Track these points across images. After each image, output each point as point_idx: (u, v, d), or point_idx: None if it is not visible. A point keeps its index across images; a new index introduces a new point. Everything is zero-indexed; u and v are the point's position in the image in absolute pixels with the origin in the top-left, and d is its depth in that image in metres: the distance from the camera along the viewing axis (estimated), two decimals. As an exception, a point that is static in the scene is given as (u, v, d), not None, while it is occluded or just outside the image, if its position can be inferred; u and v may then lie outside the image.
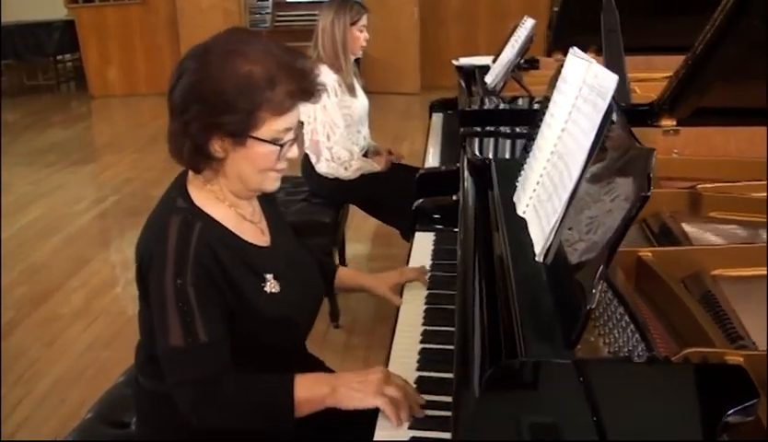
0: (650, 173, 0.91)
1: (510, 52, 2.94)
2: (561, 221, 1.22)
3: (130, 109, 8.60)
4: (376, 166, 3.15)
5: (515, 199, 1.53)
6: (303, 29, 6.76)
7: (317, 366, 1.71)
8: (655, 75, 2.73)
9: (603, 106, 1.18)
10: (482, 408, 0.88)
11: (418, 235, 2.12)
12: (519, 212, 1.45)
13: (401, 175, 3.07)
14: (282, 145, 1.37)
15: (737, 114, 1.84)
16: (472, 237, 1.51)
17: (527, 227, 1.39)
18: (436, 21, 8.05)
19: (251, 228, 1.46)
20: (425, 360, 1.45)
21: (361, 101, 3.13)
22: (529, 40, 2.75)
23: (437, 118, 3.72)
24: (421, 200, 2.23)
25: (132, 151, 6.49)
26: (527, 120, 2.24)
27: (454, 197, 2.17)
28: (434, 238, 2.08)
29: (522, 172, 1.58)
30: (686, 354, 1.03)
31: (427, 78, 7.95)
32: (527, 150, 1.66)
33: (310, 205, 3.12)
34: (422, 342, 1.53)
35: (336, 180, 3.07)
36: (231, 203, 1.42)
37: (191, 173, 1.43)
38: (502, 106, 2.44)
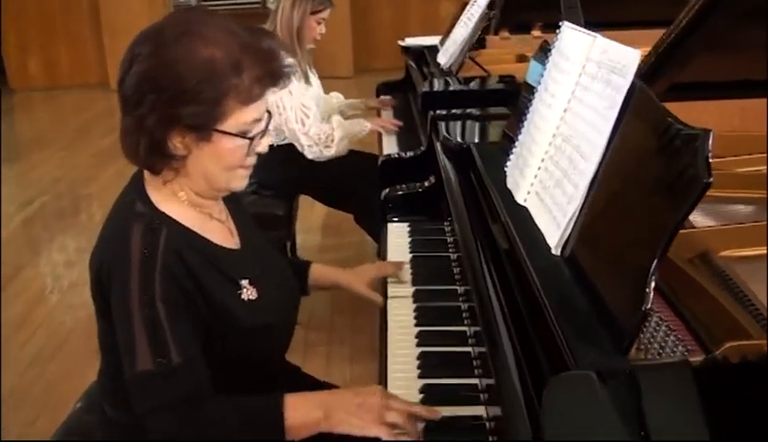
0: (708, 156, 0.82)
1: (464, 30, 2.84)
2: (579, 211, 1.12)
3: (54, 102, 8.10)
4: (366, 124, 2.95)
5: (509, 186, 1.43)
6: (230, 14, 6.51)
7: (294, 373, 1.59)
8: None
9: (622, 84, 1.09)
10: (552, 427, 0.78)
11: (391, 226, 2.00)
12: (519, 200, 1.35)
13: (358, 161, 2.93)
14: (251, 139, 1.22)
15: (718, 88, 1.79)
16: (470, 228, 1.40)
17: (530, 217, 1.29)
18: (367, 4, 7.90)
19: (220, 229, 1.32)
20: (427, 365, 1.34)
21: (316, 90, 2.97)
22: (485, 18, 2.66)
23: (384, 99, 3.60)
24: (388, 189, 2.11)
25: (58, 148, 6.10)
26: (497, 100, 2.16)
27: (426, 184, 2.07)
28: (408, 228, 1.97)
29: (513, 157, 1.48)
30: (727, 350, 0.95)
31: (360, 61, 7.82)
32: (514, 133, 1.56)
33: (261, 198, 2.95)
34: (419, 345, 1.42)
35: (288, 169, 2.91)
36: (194, 202, 1.27)
37: (147, 172, 1.27)
38: (465, 86, 2.34)
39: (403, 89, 3.64)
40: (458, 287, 1.63)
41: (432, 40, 3.42)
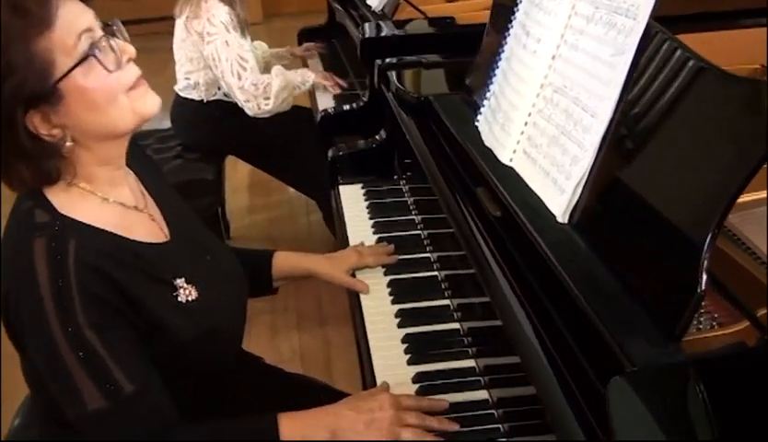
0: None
1: (393, -32, 2.64)
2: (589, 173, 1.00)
3: None
4: (309, 74, 2.68)
5: (488, 144, 1.29)
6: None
7: (256, 367, 1.43)
8: None
9: (633, 26, 0.96)
10: (625, 429, 0.67)
11: (344, 190, 1.84)
12: (503, 159, 1.22)
13: (291, 115, 2.72)
14: (93, 55, 0.95)
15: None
16: (452, 194, 1.26)
17: (520, 179, 1.17)
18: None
19: (140, 220, 1.09)
20: (416, 351, 1.22)
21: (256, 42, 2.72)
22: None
23: (309, 45, 3.37)
24: (335, 148, 1.94)
25: None
26: (449, 46, 2.01)
27: (377, 140, 1.91)
28: (362, 191, 1.81)
29: (487, 110, 1.35)
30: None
31: (269, 5, 7.44)
32: (481, 83, 1.42)
33: (187, 162, 2.70)
34: (401, 326, 1.29)
35: (215, 128, 2.67)
36: (104, 191, 1.04)
37: None
38: (413, 31, 2.17)
39: (327, 35, 3.42)
40: (429, 254, 1.50)
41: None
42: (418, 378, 1.15)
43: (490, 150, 1.27)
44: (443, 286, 1.39)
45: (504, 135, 1.24)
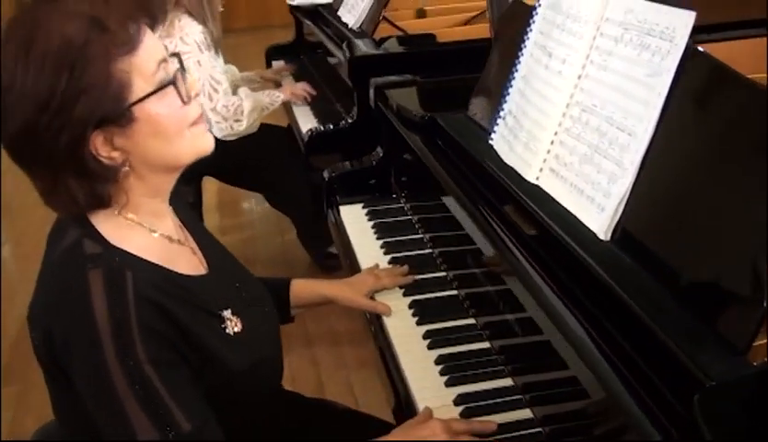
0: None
1: (369, -14, 2.66)
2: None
3: None
4: (277, 94, 2.69)
5: (508, 162, 1.31)
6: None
7: (296, 402, 1.40)
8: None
9: (670, 49, 0.99)
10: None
11: (344, 210, 1.83)
12: (529, 178, 1.24)
13: (266, 134, 2.70)
14: (174, 83, 0.96)
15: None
16: (482, 214, 1.27)
17: (547, 197, 1.18)
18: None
19: (182, 253, 1.07)
20: (452, 371, 1.22)
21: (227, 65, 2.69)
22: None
23: (280, 66, 3.36)
24: (332, 168, 1.93)
25: None
26: (441, 63, 2.02)
27: (375, 158, 1.91)
28: (364, 211, 1.81)
29: (503, 129, 1.36)
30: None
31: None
32: (490, 102, 1.44)
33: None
34: (431, 347, 1.29)
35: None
36: (150, 223, 1.02)
37: None
38: (405, 49, 2.18)
39: (296, 52, 3.41)
40: (445, 273, 1.51)
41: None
42: (460, 399, 1.15)
43: (511, 168, 1.29)
44: (465, 305, 1.40)
45: (528, 154, 1.26)
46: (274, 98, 2.66)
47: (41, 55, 0.88)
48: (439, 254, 1.57)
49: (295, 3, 3.30)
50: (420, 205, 1.75)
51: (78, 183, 0.93)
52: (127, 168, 0.96)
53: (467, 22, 2.77)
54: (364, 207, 1.82)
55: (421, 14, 3.07)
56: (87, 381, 0.93)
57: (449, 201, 1.57)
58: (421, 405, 1.15)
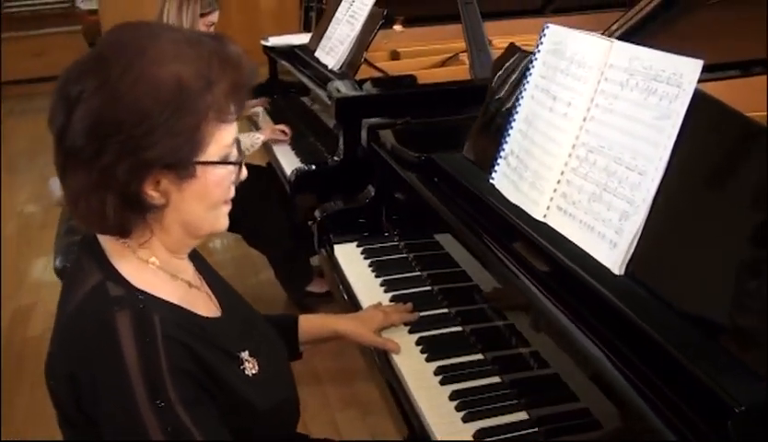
0: None
1: (348, 29, 2.72)
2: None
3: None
4: (258, 136, 2.72)
5: (514, 200, 1.35)
6: (35, 15, 5.74)
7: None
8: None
9: (678, 94, 1.05)
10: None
11: (339, 249, 1.85)
12: (537, 215, 1.28)
13: (250, 174, 2.70)
14: (238, 164, 1.03)
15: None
16: (489, 249, 1.30)
17: (556, 234, 1.23)
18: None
19: (200, 298, 1.09)
20: (467, 407, 1.24)
21: None
22: (380, 16, 2.55)
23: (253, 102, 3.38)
24: (322, 208, 1.96)
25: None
26: (427, 104, 2.08)
27: (367, 197, 1.94)
28: (359, 250, 1.83)
29: (505, 168, 1.41)
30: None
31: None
32: (489, 142, 1.49)
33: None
34: (443, 383, 1.31)
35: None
36: (170, 269, 1.04)
37: (104, 241, 1.02)
38: (392, 91, 2.23)
39: (270, 92, 3.44)
40: (447, 310, 1.54)
41: (298, 39, 3.25)
42: (480, 435, 1.17)
43: (517, 206, 1.33)
44: (471, 341, 1.42)
45: (535, 192, 1.30)
46: (255, 139, 2.68)
47: (154, 78, 0.92)
48: (439, 291, 1.60)
49: (269, 43, 3.35)
50: (414, 243, 1.78)
51: (115, 202, 0.94)
52: (159, 213, 0.98)
53: (443, 64, 2.85)
54: (358, 245, 1.84)
55: (395, 55, 3.14)
56: (116, 424, 0.92)
57: (444, 238, 1.61)
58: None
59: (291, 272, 2.91)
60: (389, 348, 1.41)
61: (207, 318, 1.05)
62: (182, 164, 0.95)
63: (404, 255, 1.78)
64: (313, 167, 2.34)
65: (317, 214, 1.95)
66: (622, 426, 0.99)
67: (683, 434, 0.84)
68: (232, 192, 1.05)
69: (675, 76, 1.07)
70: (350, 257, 1.81)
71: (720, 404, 0.83)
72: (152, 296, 0.98)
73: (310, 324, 1.42)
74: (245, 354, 1.07)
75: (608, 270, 1.11)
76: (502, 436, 1.17)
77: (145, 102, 0.92)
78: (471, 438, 1.17)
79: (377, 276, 1.69)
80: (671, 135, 1.05)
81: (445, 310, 1.53)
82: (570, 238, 1.20)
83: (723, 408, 0.83)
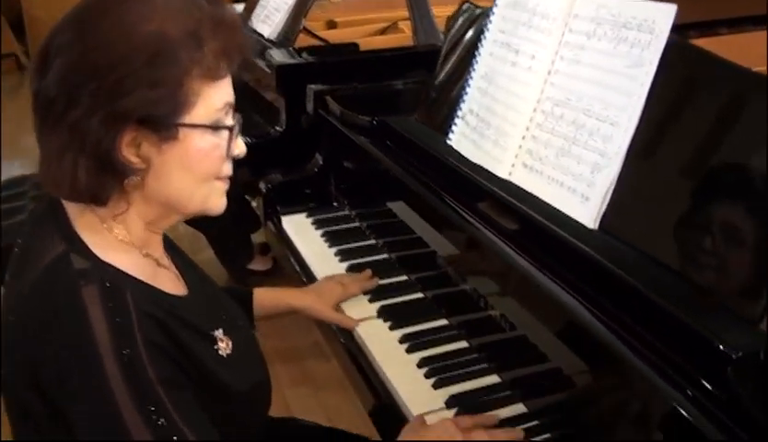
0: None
1: (284, -4, 2.61)
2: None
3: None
4: None
5: (476, 160, 1.31)
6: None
7: (288, 425, 1.34)
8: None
9: (651, 40, 1.02)
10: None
11: (287, 221, 1.77)
12: (501, 174, 1.24)
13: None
14: (231, 131, 0.92)
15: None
16: (461, 216, 1.26)
17: (523, 192, 1.19)
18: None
19: (168, 276, 0.99)
20: (437, 374, 1.19)
21: None
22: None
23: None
24: (268, 179, 1.87)
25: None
26: (371, 71, 2.01)
27: (316, 167, 1.86)
28: (310, 220, 1.76)
29: (464, 128, 1.36)
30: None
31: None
32: (444, 102, 1.44)
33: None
34: (409, 351, 1.26)
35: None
36: (142, 244, 0.94)
37: (70, 208, 0.91)
38: (338, 57, 2.15)
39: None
40: (407, 277, 1.48)
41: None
42: (453, 401, 1.13)
43: (479, 166, 1.29)
44: (435, 307, 1.38)
45: (498, 150, 1.26)
46: None
47: (133, 25, 0.83)
48: (397, 259, 1.55)
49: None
50: (366, 212, 1.72)
51: (87, 166, 0.85)
52: (138, 180, 0.88)
53: (383, 31, 2.78)
54: (308, 216, 1.77)
55: (332, 25, 3.06)
56: (86, 407, 0.82)
57: (397, 206, 1.56)
58: (413, 411, 1.12)
59: (231, 250, 2.80)
60: (345, 324, 1.35)
61: (177, 296, 0.96)
62: (161, 121, 0.86)
63: (357, 224, 1.72)
64: (258, 138, 2.23)
65: (262, 186, 1.86)
66: (611, 384, 0.96)
67: (681, 386, 0.82)
68: (228, 169, 0.95)
69: (647, 23, 1.04)
70: (300, 228, 1.74)
71: (717, 353, 0.81)
72: (120, 270, 0.88)
73: (266, 298, 1.34)
74: (219, 333, 0.98)
75: (581, 225, 1.08)
76: (475, 401, 1.12)
77: (120, 47, 0.83)
78: (444, 405, 1.13)
79: (330, 246, 1.63)
80: (645, 83, 1.03)
81: (404, 277, 1.48)
82: (538, 195, 1.17)
83: (720, 356, 0.81)
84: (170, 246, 1.08)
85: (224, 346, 0.98)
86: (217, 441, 0.89)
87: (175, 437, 0.82)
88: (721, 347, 0.80)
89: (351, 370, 1.31)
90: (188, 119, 0.88)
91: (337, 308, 1.38)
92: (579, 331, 0.96)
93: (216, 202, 0.96)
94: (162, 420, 0.82)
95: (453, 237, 1.31)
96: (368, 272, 1.46)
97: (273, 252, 2.69)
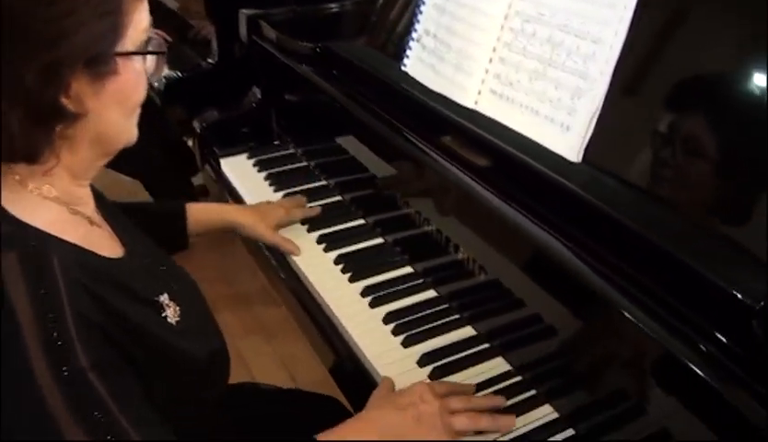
0: None
1: None
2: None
3: None
4: None
5: (436, 88, 1.17)
6: None
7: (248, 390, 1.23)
8: None
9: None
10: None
11: (226, 163, 1.60)
12: (467, 103, 1.11)
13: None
14: (162, 54, 0.85)
15: None
16: (422, 150, 1.12)
17: (492, 124, 1.06)
18: None
19: (103, 236, 0.86)
20: (406, 330, 1.07)
21: None
22: None
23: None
24: (202, 118, 1.69)
25: None
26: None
27: (254, 101, 1.69)
28: (252, 162, 1.59)
29: (420, 52, 1.21)
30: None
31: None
32: (404, 23, 1.28)
33: None
34: (373, 305, 1.14)
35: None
36: (71, 200, 0.82)
37: None
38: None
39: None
40: (364, 221, 1.35)
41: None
42: (426, 359, 1.02)
43: (440, 95, 1.15)
44: (397, 253, 1.25)
45: (461, 76, 1.12)
46: None
47: None
48: (351, 201, 1.41)
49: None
50: (313, 150, 1.57)
51: (25, 119, 0.73)
52: (69, 130, 0.77)
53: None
54: (249, 157, 1.60)
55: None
56: (9, 401, 0.69)
57: (348, 141, 1.41)
58: (382, 372, 1.01)
59: (170, 195, 2.61)
60: (286, 248, 1.26)
61: (114, 259, 0.84)
62: (104, 57, 0.76)
63: (304, 164, 1.56)
64: (185, 73, 2.03)
65: (195, 125, 1.69)
66: (604, 334, 0.86)
67: (690, 340, 0.72)
68: (144, 95, 0.84)
69: None
70: (241, 170, 1.57)
71: (734, 302, 0.71)
72: (47, 234, 0.75)
73: (202, 213, 1.24)
74: (164, 298, 0.86)
75: (562, 158, 0.95)
76: (453, 358, 1.02)
77: None
78: (416, 365, 1.02)
79: (276, 190, 1.47)
80: (629, -5, 0.89)
81: (362, 221, 1.35)
82: (510, 126, 1.04)
83: (738, 306, 0.71)
84: (102, 203, 0.94)
85: (171, 313, 0.86)
86: (155, 420, 0.77)
87: (104, 420, 0.70)
88: (740, 296, 0.70)
89: (305, 323, 1.19)
90: (122, 46, 0.77)
91: (277, 233, 1.28)
92: (559, 275, 0.85)
93: (135, 132, 0.86)
94: (89, 402, 0.69)
95: (413, 174, 1.18)
96: (302, 198, 1.38)
97: (211, 198, 2.52)
